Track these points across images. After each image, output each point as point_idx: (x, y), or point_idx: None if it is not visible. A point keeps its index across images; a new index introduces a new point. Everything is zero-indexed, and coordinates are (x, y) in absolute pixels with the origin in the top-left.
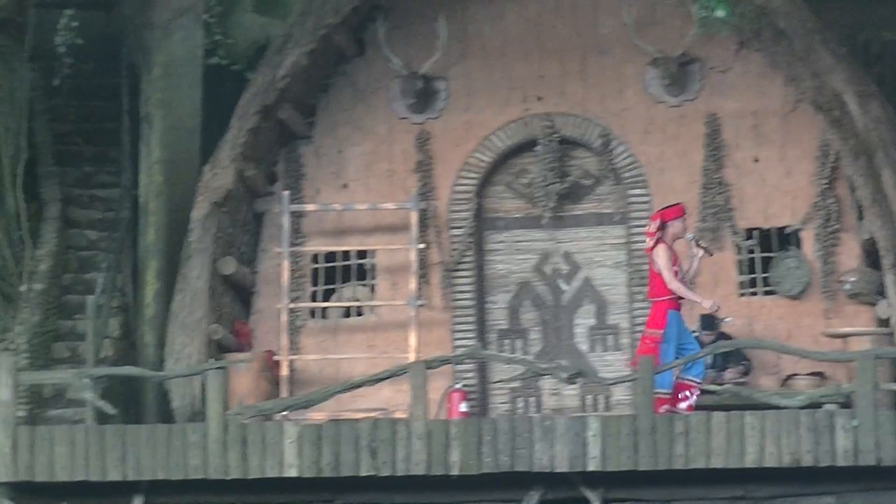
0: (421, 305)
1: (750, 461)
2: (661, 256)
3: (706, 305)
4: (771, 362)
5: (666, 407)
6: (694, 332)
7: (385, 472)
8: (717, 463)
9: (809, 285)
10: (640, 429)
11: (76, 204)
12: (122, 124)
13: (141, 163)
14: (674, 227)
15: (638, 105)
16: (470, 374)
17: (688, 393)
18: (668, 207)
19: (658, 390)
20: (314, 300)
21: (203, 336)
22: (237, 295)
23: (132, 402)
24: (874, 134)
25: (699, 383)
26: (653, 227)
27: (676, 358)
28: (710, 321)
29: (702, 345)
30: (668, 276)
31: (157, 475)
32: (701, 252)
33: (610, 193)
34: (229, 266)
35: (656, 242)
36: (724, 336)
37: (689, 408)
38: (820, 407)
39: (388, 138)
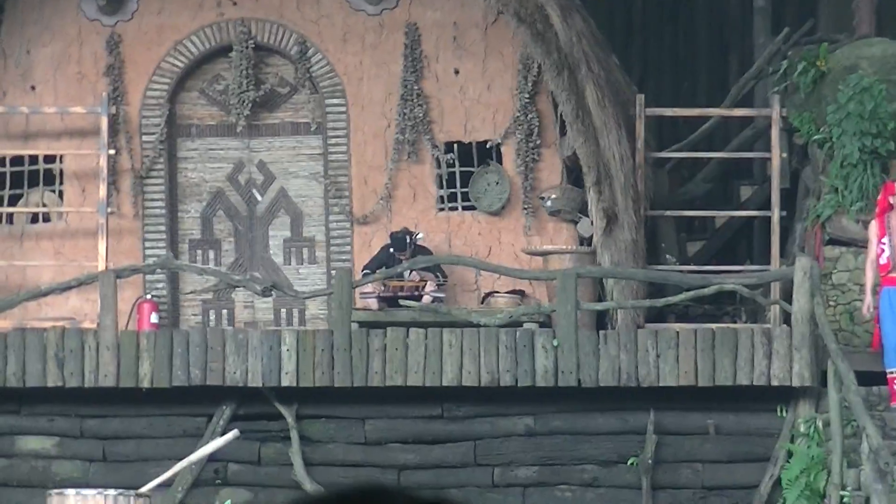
0: (111, 213)
1: (448, 380)
2: (869, 229)
3: (863, 308)
4: (470, 280)
5: None
6: (390, 247)
7: (73, 384)
8: (415, 381)
9: (510, 201)
10: (336, 344)
11: None
12: None
13: None
14: None
15: (336, 12)
16: (161, 285)
17: None
18: None
19: (891, 369)
20: (0, 205)
21: None
22: None
23: None
24: (576, 48)
25: None
26: (881, 195)
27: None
28: (401, 242)
29: (398, 264)
30: (869, 250)
31: None
32: None
33: (307, 102)
34: None
35: (878, 215)
36: (423, 251)
37: None
38: (520, 326)
39: (77, 40)
